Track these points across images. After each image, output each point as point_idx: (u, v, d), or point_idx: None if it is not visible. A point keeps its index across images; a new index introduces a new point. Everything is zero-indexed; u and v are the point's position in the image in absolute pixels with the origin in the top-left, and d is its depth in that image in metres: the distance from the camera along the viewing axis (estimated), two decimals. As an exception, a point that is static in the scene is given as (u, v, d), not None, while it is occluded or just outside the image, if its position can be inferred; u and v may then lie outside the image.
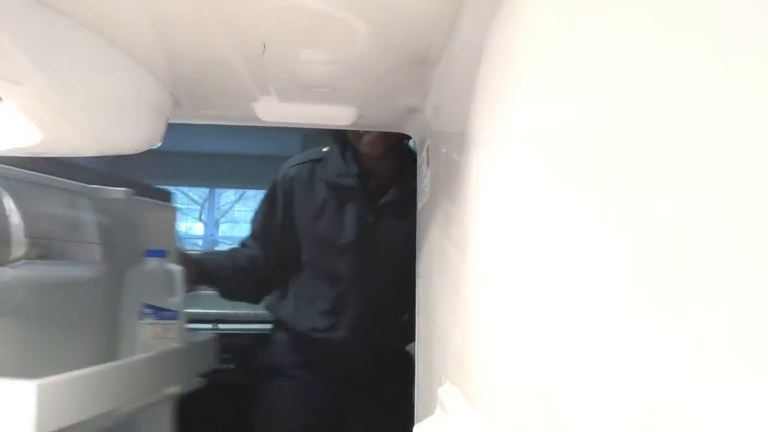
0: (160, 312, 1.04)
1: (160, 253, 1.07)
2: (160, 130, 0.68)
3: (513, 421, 0.33)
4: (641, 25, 0.21)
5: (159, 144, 0.68)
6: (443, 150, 0.61)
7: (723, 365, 0.16)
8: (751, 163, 0.15)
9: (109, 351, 1.02)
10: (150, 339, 1.03)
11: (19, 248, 0.77)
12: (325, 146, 1.40)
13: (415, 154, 0.91)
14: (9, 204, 0.77)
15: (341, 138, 1.34)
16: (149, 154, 0.70)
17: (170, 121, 0.72)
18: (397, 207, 1.30)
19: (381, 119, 0.87)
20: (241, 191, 5.19)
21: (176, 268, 1.08)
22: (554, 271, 0.28)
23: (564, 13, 0.28)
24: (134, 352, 1.01)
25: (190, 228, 5.03)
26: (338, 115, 0.80)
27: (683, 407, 0.18)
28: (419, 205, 0.82)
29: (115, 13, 0.51)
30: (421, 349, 0.75)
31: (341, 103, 0.78)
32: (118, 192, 1.02)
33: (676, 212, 0.18)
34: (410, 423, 0.70)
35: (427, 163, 0.73)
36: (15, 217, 0.77)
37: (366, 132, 1.26)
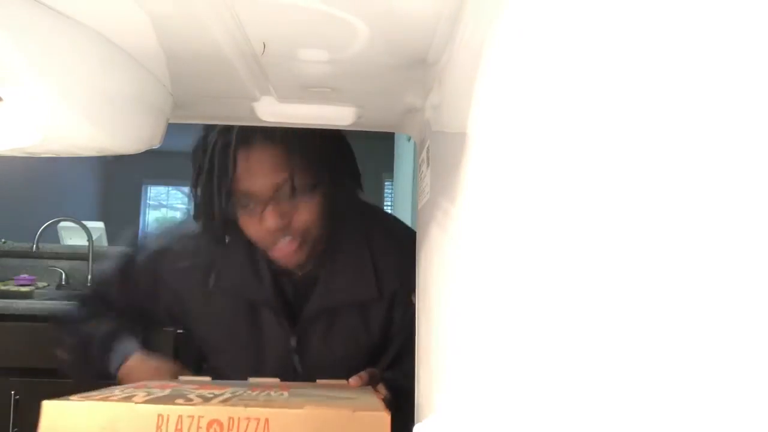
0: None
1: None
2: (160, 130, 0.68)
3: (513, 421, 0.33)
4: (642, 25, 0.21)
5: (159, 144, 0.68)
6: (443, 150, 0.61)
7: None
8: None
9: None
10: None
11: None
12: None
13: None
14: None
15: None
16: (149, 154, 0.69)
17: (170, 121, 0.72)
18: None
19: (381, 119, 0.87)
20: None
21: None
22: (555, 273, 0.28)
23: (565, 12, 0.28)
24: None
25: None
26: (338, 115, 0.80)
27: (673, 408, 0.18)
28: (419, 205, 0.82)
29: (115, 12, 0.51)
30: (420, 351, 0.75)
31: (341, 103, 0.78)
32: None
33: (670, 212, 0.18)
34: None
35: (427, 163, 0.73)
36: None
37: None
